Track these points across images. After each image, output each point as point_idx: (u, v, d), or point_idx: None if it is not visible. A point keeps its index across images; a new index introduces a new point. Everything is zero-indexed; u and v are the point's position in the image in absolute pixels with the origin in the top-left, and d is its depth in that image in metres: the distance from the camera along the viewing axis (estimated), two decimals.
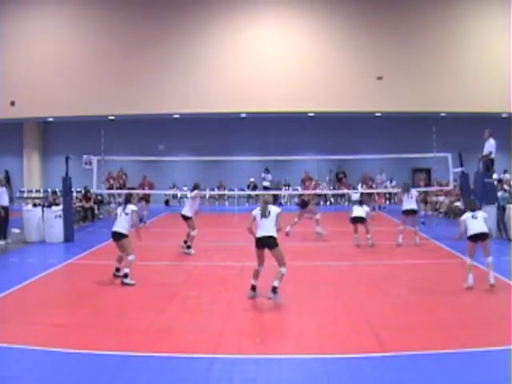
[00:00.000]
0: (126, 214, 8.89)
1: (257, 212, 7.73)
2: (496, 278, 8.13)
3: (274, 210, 7.69)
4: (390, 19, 20.94)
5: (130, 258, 8.66)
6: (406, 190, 12.42)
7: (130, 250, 8.74)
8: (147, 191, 18.05)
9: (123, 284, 8.52)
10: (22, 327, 6.49)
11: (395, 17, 20.98)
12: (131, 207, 9.04)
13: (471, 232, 8.24)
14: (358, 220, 12.18)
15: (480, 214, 8.45)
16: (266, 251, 7.61)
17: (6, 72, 20.85)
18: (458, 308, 7.25)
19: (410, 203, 12.18)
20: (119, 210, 9.12)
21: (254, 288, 7.68)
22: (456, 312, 7.02)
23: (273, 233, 7.51)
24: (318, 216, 13.34)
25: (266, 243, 7.52)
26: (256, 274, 7.72)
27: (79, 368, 5.28)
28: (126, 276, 8.56)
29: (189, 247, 11.38)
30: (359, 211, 12.21)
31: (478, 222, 8.28)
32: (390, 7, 21.01)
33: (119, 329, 6.48)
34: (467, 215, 8.42)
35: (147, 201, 17.36)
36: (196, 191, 11.68)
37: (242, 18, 21.38)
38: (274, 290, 7.24)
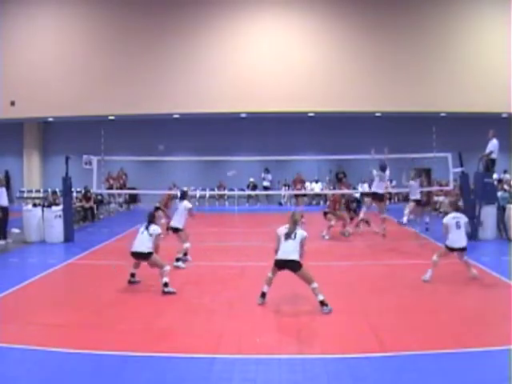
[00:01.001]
0: (150, 235, 8.40)
1: (281, 231, 7.41)
2: (494, 278, 8.12)
3: (300, 233, 7.31)
4: (389, 19, 20.93)
5: (166, 268, 8.23)
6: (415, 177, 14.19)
7: (162, 262, 8.34)
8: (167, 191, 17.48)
9: (164, 293, 8.06)
10: (22, 327, 6.48)
11: (395, 17, 20.97)
12: (155, 229, 8.52)
13: (451, 244, 8.40)
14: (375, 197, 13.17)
15: (463, 220, 8.50)
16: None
17: (5, 72, 20.86)
18: (457, 308, 7.25)
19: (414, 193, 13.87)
20: (141, 228, 8.56)
21: (263, 295, 7.44)
22: (456, 312, 7.02)
23: (295, 256, 7.13)
24: (332, 222, 13.56)
25: (286, 266, 7.23)
26: (269, 281, 7.45)
27: (79, 368, 5.29)
28: (166, 285, 8.12)
29: (178, 260, 10.16)
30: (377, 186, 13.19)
31: (460, 233, 8.36)
32: (390, 7, 21.00)
33: (119, 329, 6.48)
34: (451, 221, 8.46)
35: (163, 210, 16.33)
36: (186, 203, 10.52)
37: (241, 17, 21.38)
38: (322, 303, 7.04)
